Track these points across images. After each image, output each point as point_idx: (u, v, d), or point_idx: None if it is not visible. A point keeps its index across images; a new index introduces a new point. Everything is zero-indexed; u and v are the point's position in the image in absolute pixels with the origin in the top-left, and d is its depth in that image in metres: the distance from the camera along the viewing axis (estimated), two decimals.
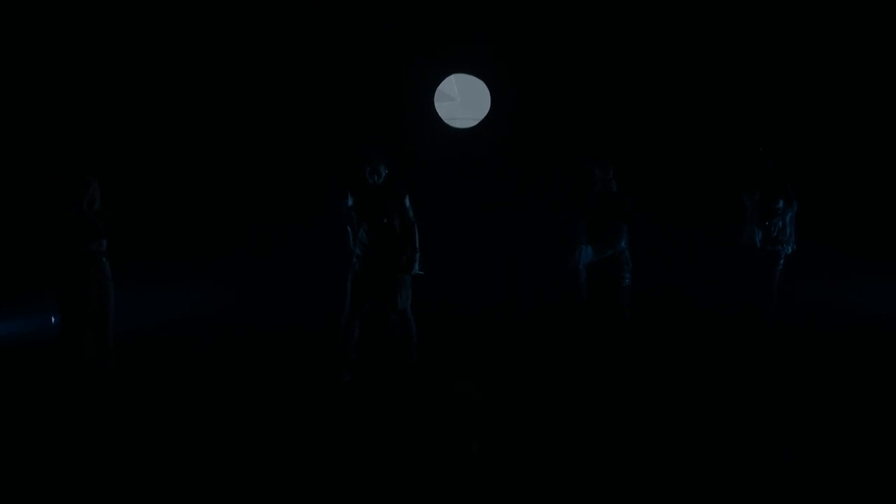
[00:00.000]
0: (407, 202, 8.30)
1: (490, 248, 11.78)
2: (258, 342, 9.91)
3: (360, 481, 5.90)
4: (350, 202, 8.29)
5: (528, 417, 7.02)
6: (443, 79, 12.22)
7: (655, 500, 5.68)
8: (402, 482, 5.21)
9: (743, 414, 7.32)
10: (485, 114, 12.23)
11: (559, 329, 9.67)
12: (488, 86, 12.19)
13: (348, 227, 8.34)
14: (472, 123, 12.30)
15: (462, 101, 12.34)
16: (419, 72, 12.01)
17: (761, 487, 5.81)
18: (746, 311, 9.60)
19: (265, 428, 7.05)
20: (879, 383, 8.11)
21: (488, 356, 9.06)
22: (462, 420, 4.69)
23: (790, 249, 9.54)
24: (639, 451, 6.44)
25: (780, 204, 9.44)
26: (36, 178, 10.26)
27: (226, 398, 7.90)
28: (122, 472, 6.18)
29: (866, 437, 6.74)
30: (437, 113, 12.22)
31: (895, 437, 6.77)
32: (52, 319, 9.98)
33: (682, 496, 5.72)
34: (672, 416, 7.21)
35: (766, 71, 11.51)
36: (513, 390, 7.80)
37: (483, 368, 8.57)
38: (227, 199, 11.85)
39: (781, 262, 9.54)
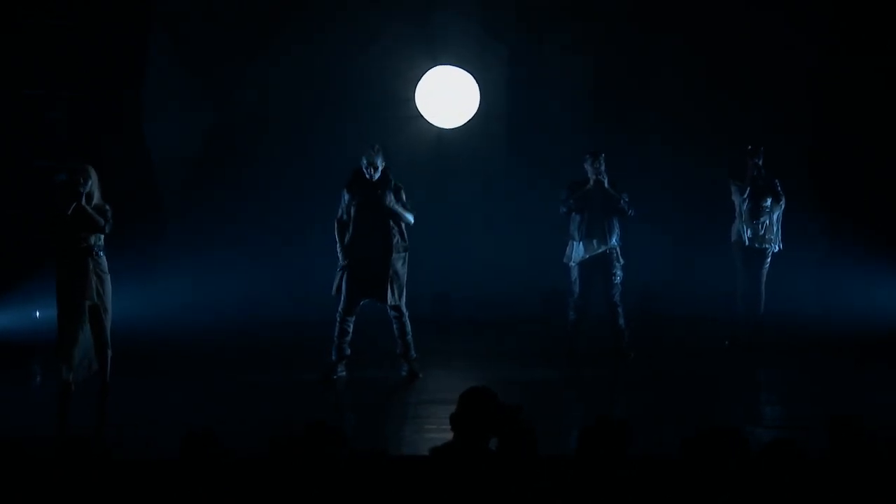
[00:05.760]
0: (403, 196, 8.25)
1: (486, 248, 11.59)
2: (257, 339, 9.91)
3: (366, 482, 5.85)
4: (346, 198, 8.26)
5: (530, 418, 7.00)
6: (427, 71, 11.90)
7: (658, 500, 5.67)
8: (419, 480, 5.18)
9: (742, 414, 7.38)
10: (473, 110, 11.75)
11: (558, 329, 9.62)
12: (476, 80, 11.69)
13: (336, 223, 8.30)
14: (459, 121, 11.81)
15: (448, 96, 11.95)
16: (402, 65, 11.85)
17: (760, 487, 5.83)
18: (738, 310, 9.63)
19: (264, 427, 6.99)
20: (879, 383, 8.18)
21: (487, 356, 9.09)
22: (485, 415, 4.66)
23: (777, 248, 9.60)
24: (639, 451, 6.43)
25: (768, 202, 9.49)
26: (37, 173, 10.21)
27: (224, 395, 7.88)
28: (119, 469, 6.11)
29: (866, 436, 6.76)
30: (418, 109, 11.85)
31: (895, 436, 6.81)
32: (37, 314, 9.94)
33: (685, 496, 5.72)
34: (672, 417, 7.17)
35: (764, 70, 11.51)
36: (513, 390, 7.78)
37: (482, 369, 8.59)
38: (224, 197, 11.67)
39: (769, 260, 9.60)
